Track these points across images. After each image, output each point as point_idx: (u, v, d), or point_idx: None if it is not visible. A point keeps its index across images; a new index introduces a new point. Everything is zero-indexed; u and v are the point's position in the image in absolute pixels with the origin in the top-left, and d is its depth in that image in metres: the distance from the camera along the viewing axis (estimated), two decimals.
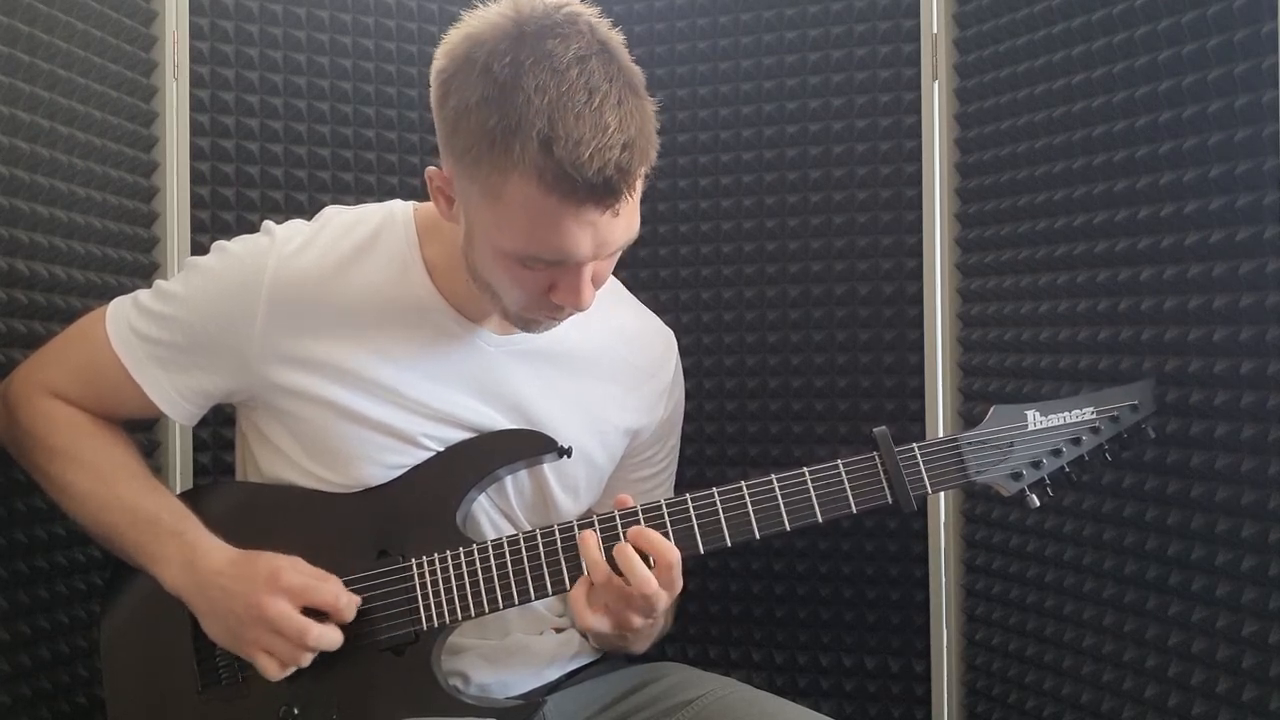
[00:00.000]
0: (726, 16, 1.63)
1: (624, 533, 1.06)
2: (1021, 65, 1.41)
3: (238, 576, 1.07)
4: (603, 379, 1.23)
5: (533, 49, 0.96)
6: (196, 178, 1.53)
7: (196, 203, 1.53)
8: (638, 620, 1.07)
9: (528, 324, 1.12)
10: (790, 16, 1.60)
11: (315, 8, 1.59)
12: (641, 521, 1.08)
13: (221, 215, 1.55)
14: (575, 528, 1.10)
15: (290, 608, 1.05)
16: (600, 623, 1.07)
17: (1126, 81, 1.27)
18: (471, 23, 1.00)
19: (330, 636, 1.07)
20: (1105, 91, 1.30)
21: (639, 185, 1.01)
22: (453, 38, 1.01)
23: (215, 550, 1.10)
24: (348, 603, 1.08)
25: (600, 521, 1.09)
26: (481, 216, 1.02)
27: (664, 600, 1.06)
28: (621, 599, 1.05)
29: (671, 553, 1.05)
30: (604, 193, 0.96)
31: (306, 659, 1.07)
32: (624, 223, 1.01)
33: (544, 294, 1.05)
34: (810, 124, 1.60)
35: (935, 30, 1.52)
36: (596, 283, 1.06)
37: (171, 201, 1.51)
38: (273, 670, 1.06)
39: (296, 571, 1.07)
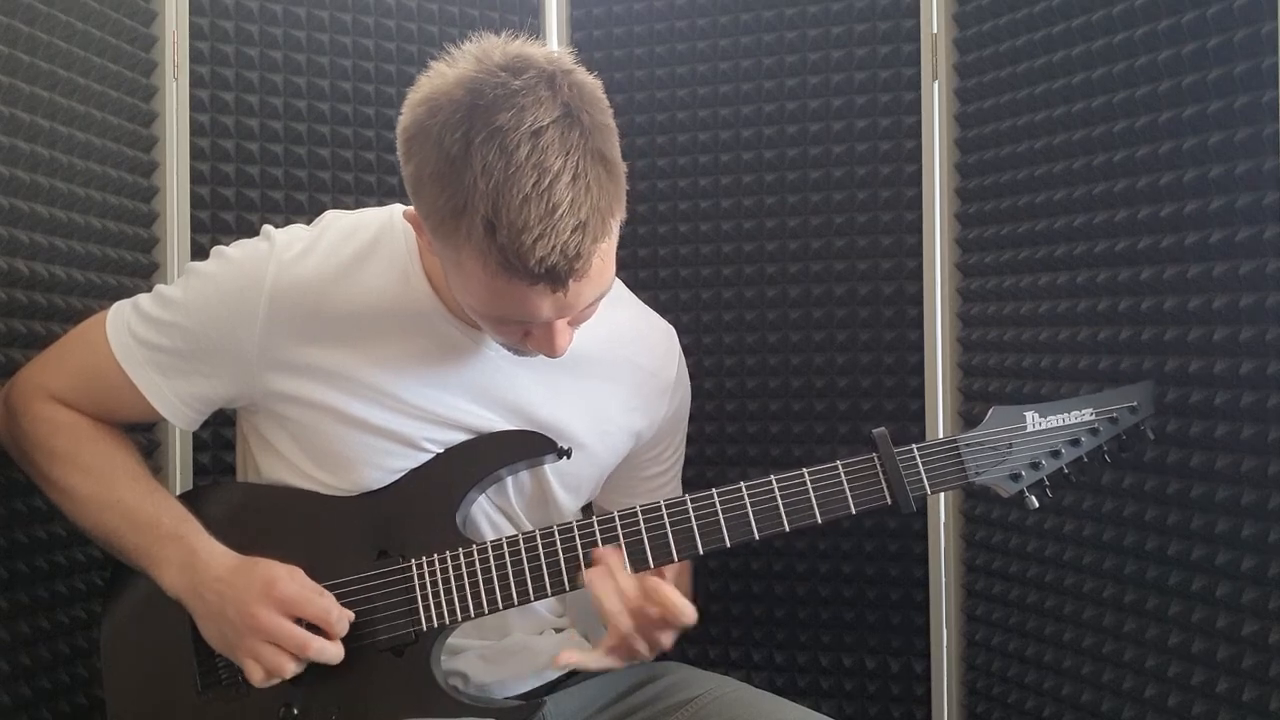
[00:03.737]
0: (726, 16, 1.63)
1: (622, 539, 1.08)
2: (1021, 65, 1.41)
3: (234, 583, 1.07)
4: (605, 379, 1.23)
5: (484, 123, 0.91)
6: (196, 178, 1.53)
7: (196, 203, 1.54)
8: (667, 638, 1.08)
9: (517, 354, 1.12)
10: (790, 16, 1.60)
11: (315, 8, 1.59)
12: (641, 523, 1.09)
13: (221, 215, 1.55)
14: (575, 529, 1.10)
15: (284, 619, 1.05)
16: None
17: (1126, 81, 1.27)
18: (434, 80, 0.96)
19: (331, 650, 1.07)
20: (1105, 91, 1.30)
21: (614, 235, 0.99)
22: (416, 95, 0.97)
23: (215, 555, 1.10)
24: (338, 617, 1.07)
25: (601, 523, 1.09)
26: (449, 272, 1.03)
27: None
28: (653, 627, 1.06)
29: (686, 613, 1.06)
30: (550, 279, 0.94)
31: (291, 669, 1.06)
32: (591, 283, 0.98)
33: (521, 340, 1.06)
34: (810, 124, 1.60)
35: (935, 30, 1.53)
36: (576, 325, 1.05)
37: (171, 201, 1.51)
38: (258, 677, 1.06)
39: (293, 581, 1.07)
